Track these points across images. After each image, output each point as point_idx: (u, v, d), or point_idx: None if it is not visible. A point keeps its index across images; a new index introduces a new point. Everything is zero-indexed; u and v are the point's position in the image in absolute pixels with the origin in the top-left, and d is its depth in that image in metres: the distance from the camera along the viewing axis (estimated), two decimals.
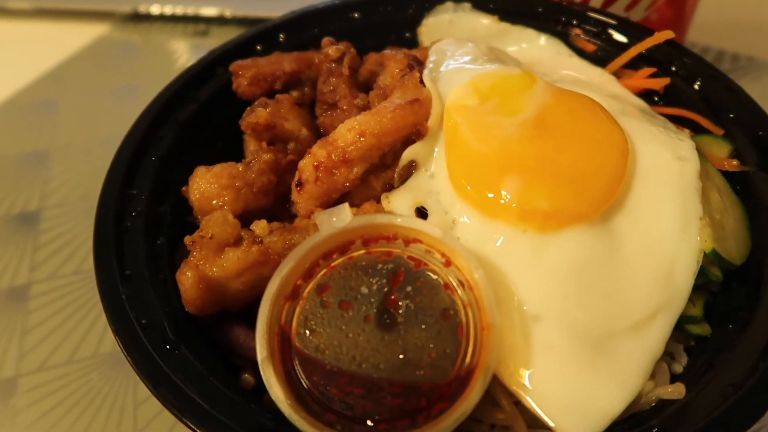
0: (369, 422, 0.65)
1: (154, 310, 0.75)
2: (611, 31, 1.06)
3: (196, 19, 1.62)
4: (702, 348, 0.75)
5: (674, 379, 0.73)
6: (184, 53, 1.59)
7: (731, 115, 0.90)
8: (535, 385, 0.69)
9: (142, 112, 0.96)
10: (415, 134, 0.87)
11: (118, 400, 0.96)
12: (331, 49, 0.99)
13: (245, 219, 0.87)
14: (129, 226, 0.84)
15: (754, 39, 1.45)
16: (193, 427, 0.62)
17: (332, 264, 0.74)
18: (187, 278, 0.77)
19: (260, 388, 0.77)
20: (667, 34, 0.95)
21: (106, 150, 0.93)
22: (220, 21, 1.62)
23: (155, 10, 1.62)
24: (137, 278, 0.78)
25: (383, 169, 0.88)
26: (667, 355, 0.75)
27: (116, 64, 1.55)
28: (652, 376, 0.71)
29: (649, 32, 1.01)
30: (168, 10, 1.62)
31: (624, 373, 0.69)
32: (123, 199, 0.86)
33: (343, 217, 0.74)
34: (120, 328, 0.72)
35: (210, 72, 1.05)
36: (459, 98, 0.86)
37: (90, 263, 1.15)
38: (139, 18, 1.64)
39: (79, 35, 1.60)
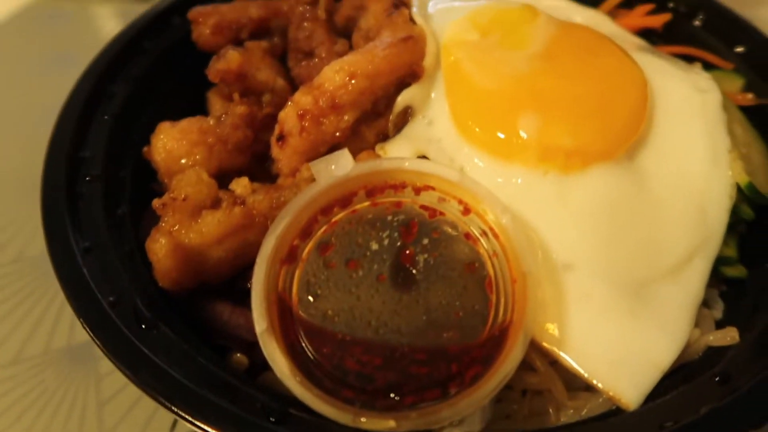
0: (393, 395, 0.56)
1: (123, 286, 0.63)
2: None
3: None
4: (740, 291, 0.69)
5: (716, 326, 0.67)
6: (122, 20, 1.43)
7: (739, 49, 0.85)
8: (573, 340, 0.61)
9: (89, 65, 0.83)
10: (410, 76, 0.77)
11: (78, 400, 0.83)
12: None
13: (219, 181, 0.76)
14: (83, 193, 0.71)
15: None
16: (185, 415, 0.51)
17: (333, 219, 0.64)
18: (160, 246, 0.65)
19: (255, 369, 0.67)
20: None
21: (40, 122, 0.80)
22: None
23: None
24: (99, 250, 0.66)
25: (375, 117, 0.79)
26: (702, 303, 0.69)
27: (47, 33, 1.39)
28: (696, 323, 0.65)
29: None
30: None
31: (669, 321, 0.63)
32: (74, 161, 0.73)
33: (343, 163, 0.64)
34: (83, 306, 0.59)
35: (165, 21, 0.92)
36: (457, 34, 0.77)
37: (33, 249, 1.02)
38: None
39: (4, 2, 1.42)
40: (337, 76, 0.74)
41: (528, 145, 0.67)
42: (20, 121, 1.19)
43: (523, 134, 0.68)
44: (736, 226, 0.72)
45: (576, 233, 0.65)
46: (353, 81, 0.74)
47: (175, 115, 0.83)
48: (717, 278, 0.70)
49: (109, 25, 1.44)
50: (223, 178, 0.77)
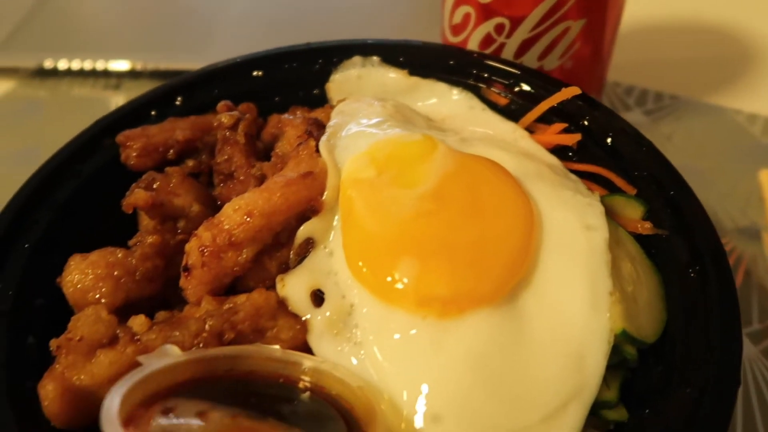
0: None
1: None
2: (522, 84, 1.01)
3: (107, 74, 1.54)
4: None
5: None
6: (94, 109, 1.49)
7: (644, 173, 0.86)
8: None
9: (14, 194, 0.87)
10: (309, 210, 0.80)
11: None
12: (224, 116, 0.93)
13: (130, 309, 0.80)
14: None
15: (676, 77, 1.44)
16: None
17: None
18: (47, 392, 0.69)
19: None
20: (574, 90, 0.91)
21: None
22: (133, 75, 1.54)
23: (62, 65, 1.53)
24: None
25: (278, 248, 0.81)
26: None
27: (18, 125, 1.46)
28: None
29: (561, 84, 0.97)
30: (76, 65, 1.53)
31: None
32: None
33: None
34: None
35: (96, 143, 0.97)
36: (354, 170, 0.80)
37: None
38: (45, 74, 1.55)
39: None
40: (235, 214, 0.78)
41: (406, 292, 0.69)
42: None
43: (402, 280, 0.70)
44: (623, 363, 0.73)
45: (447, 382, 0.66)
46: (249, 219, 0.77)
47: (104, 234, 0.88)
48: (600, 421, 0.71)
49: (83, 114, 1.50)
50: (134, 306, 0.81)
